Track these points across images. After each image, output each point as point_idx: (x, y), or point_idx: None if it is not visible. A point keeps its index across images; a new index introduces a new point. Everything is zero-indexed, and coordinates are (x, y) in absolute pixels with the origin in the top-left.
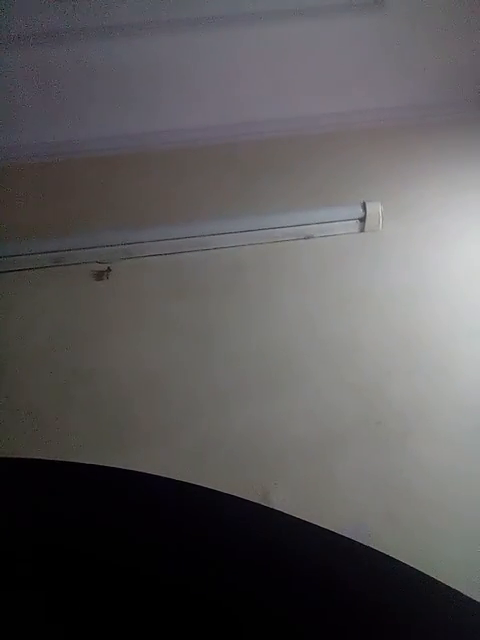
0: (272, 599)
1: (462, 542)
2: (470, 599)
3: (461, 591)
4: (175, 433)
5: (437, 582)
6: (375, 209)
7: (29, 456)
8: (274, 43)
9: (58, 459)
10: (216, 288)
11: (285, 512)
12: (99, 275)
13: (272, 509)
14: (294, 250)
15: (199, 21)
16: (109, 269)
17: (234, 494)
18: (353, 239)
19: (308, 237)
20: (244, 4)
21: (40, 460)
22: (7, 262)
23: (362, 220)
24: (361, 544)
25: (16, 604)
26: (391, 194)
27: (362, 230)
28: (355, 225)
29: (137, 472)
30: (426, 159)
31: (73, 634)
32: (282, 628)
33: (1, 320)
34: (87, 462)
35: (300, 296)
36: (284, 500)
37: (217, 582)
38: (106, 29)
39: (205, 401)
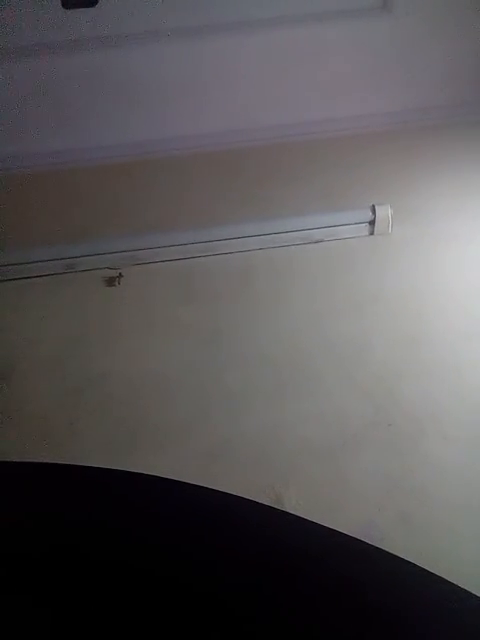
0: (282, 602)
1: (476, 543)
2: None
3: (476, 594)
4: (186, 436)
5: (451, 584)
6: (384, 212)
7: (41, 460)
8: (280, 48)
9: (70, 463)
10: (226, 292)
11: (297, 514)
12: (110, 281)
13: (283, 511)
14: (303, 254)
15: (205, 28)
16: (120, 275)
17: (245, 496)
18: (362, 242)
19: (317, 241)
20: (250, 10)
21: (49, 464)
22: (19, 269)
23: (371, 223)
24: (373, 546)
25: (21, 606)
26: (400, 197)
27: (371, 233)
28: (364, 228)
29: (147, 475)
30: (435, 162)
31: (79, 635)
32: (292, 631)
33: (14, 326)
34: (99, 465)
35: (310, 300)
36: (296, 502)
37: (228, 585)
38: (113, 38)
39: (216, 404)
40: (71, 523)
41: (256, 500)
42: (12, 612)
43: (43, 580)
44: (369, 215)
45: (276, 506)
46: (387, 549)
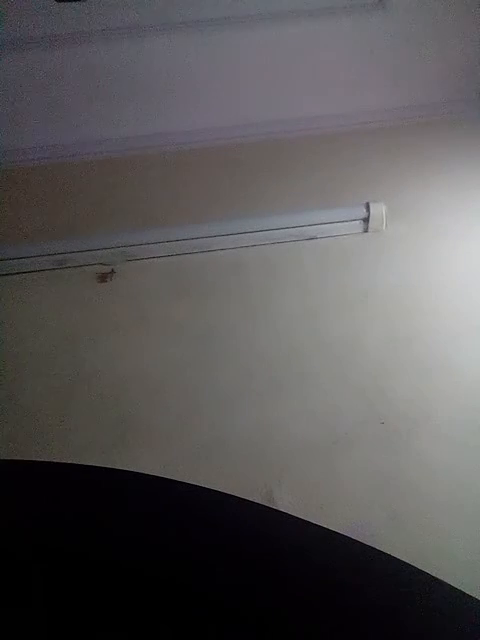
0: (274, 599)
1: (467, 542)
2: (475, 599)
3: (465, 592)
4: (178, 434)
5: (441, 582)
6: (378, 209)
7: (32, 458)
8: (275, 44)
9: (61, 461)
10: (219, 289)
11: (288, 513)
12: (102, 277)
13: (275, 510)
14: (297, 251)
15: (200, 23)
16: (112, 271)
17: (237, 495)
18: (356, 240)
19: (311, 238)
20: (244, 6)
21: (42, 462)
22: (11, 265)
23: (365, 221)
24: (364, 544)
25: (17, 603)
26: (394, 194)
27: (365, 230)
28: (358, 225)
29: (139, 473)
30: (429, 159)
31: (74, 631)
32: (283, 627)
33: (5, 323)
34: (90, 463)
35: (303, 297)
36: (287, 501)
37: (219, 582)
38: (108, 32)
39: (208, 402)
40: (66, 522)
41: (249, 498)
42: (9, 611)
43: (39, 579)
44: (363, 212)
45: (268, 504)
46: (377, 547)
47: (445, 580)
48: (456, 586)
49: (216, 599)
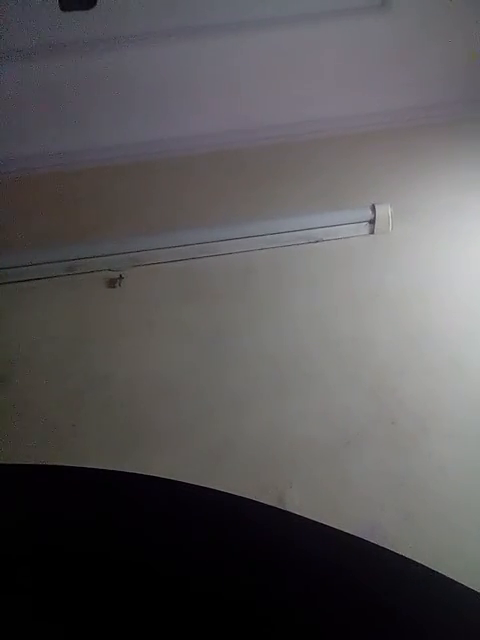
0: (287, 601)
1: None
2: None
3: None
4: (188, 437)
5: (455, 583)
6: (384, 211)
7: (44, 462)
8: (278, 48)
9: (72, 464)
10: (227, 293)
11: (300, 514)
12: (111, 283)
13: (286, 511)
14: (303, 254)
15: (203, 29)
16: (121, 276)
17: (249, 496)
18: (363, 241)
19: (317, 241)
20: (247, 11)
21: (53, 466)
22: (20, 272)
23: (371, 222)
24: (377, 545)
25: (21, 607)
26: (400, 196)
27: (372, 232)
28: (365, 227)
29: (149, 476)
30: (435, 160)
31: (78, 636)
32: (298, 630)
33: (16, 329)
34: (102, 467)
35: (310, 299)
36: (299, 502)
37: (232, 584)
38: (111, 40)
39: (218, 404)
40: (74, 525)
41: (259, 500)
42: (12, 613)
43: (44, 581)
44: (369, 214)
45: (279, 506)
46: (390, 548)
47: (458, 580)
48: (470, 586)
49: (226, 599)
